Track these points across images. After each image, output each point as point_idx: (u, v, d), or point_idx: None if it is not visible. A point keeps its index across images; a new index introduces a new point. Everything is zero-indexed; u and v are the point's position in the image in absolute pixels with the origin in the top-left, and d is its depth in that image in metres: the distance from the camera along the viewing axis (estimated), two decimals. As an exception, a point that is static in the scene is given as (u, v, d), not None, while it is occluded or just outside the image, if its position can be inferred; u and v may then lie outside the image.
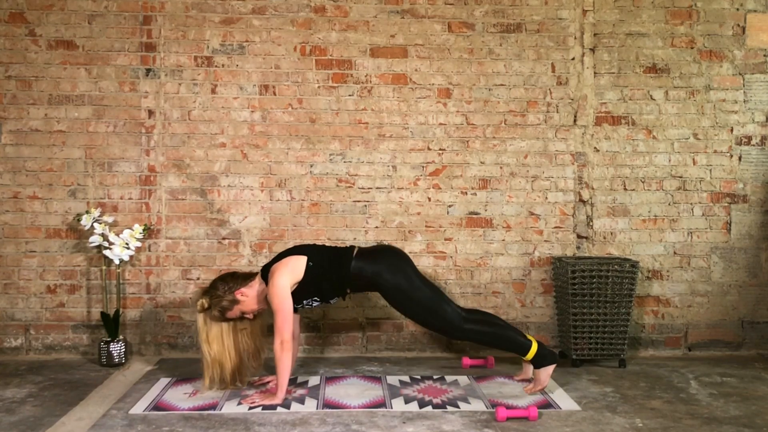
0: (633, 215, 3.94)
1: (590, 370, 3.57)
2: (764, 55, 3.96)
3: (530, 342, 3.06)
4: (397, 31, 3.90)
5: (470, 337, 3.11)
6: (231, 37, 3.86)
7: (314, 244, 3.32)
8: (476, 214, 3.92)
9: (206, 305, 3.12)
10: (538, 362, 3.06)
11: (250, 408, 2.94)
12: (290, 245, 3.77)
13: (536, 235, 3.93)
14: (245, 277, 3.21)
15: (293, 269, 3.10)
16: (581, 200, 3.94)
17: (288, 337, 3.00)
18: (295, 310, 3.15)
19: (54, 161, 3.82)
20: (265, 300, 3.20)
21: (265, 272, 3.16)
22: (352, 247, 3.23)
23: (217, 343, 3.14)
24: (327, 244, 3.39)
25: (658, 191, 3.95)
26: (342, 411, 2.92)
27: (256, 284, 3.19)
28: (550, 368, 3.08)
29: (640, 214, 3.95)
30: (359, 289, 3.23)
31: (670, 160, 3.95)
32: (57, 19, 3.81)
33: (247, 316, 3.20)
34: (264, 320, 3.33)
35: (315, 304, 3.21)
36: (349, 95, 3.89)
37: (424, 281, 3.14)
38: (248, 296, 3.15)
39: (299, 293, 3.12)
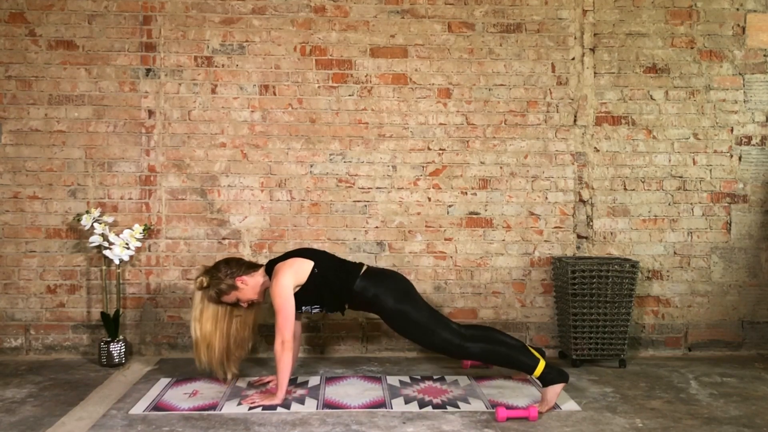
0: (633, 215, 3.94)
1: (590, 370, 3.57)
2: (764, 55, 3.96)
3: (537, 361, 2.92)
4: (397, 31, 3.90)
5: (472, 355, 3.02)
6: (231, 37, 3.86)
7: (325, 252, 3.28)
8: (476, 214, 3.92)
9: (205, 284, 3.13)
10: (547, 379, 2.91)
11: (250, 408, 2.94)
12: (290, 245, 3.79)
13: (536, 235, 3.93)
14: (249, 266, 3.21)
15: (297, 271, 3.09)
16: (581, 200, 3.94)
17: (289, 336, 3.00)
18: (295, 315, 3.14)
19: (54, 161, 3.82)
20: (263, 293, 3.21)
21: (270, 267, 3.17)
22: (361, 265, 3.21)
23: (210, 323, 3.15)
24: (338, 255, 3.36)
25: (658, 191, 3.95)
26: (342, 411, 2.92)
27: (259, 276, 3.19)
28: (558, 387, 2.91)
29: (640, 214, 3.95)
30: (358, 307, 3.21)
31: (670, 160, 3.95)
32: (57, 19, 3.81)
33: (242, 303, 3.20)
34: (259, 313, 3.34)
35: (315, 310, 3.20)
36: (349, 95, 3.89)
37: (424, 305, 3.11)
38: (248, 285, 3.15)
39: (300, 298, 3.11)
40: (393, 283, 3.14)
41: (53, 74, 3.82)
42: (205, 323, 3.15)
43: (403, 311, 3.04)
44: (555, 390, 2.91)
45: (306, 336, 3.87)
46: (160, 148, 3.85)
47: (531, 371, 2.93)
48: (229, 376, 3.26)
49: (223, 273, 3.14)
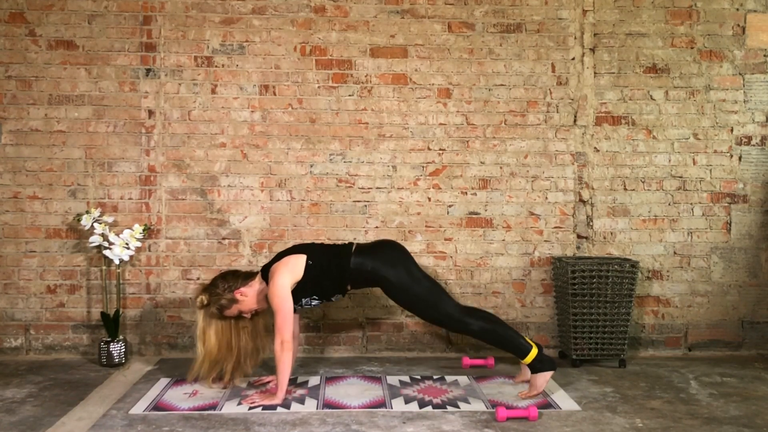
0: (633, 215, 3.94)
1: (590, 370, 3.57)
2: (764, 55, 3.96)
3: (530, 346, 3.04)
4: (397, 31, 3.90)
5: (470, 331, 3.07)
6: (231, 37, 3.86)
7: (313, 243, 3.32)
8: (476, 214, 3.92)
9: (205, 302, 3.14)
10: (536, 367, 3.03)
11: (250, 408, 2.94)
12: (290, 245, 3.78)
13: (536, 235, 3.93)
14: (246, 277, 3.22)
15: (293, 268, 3.10)
16: (581, 200, 3.94)
17: (288, 336, 3.00)
18: (294, 310, 3.14)
19: (54, 161, 3.82)
20: (264, 300, 3.20)
21: (265, 272, 3.17)
22: (350, 244, 3.23)
23: (215, 339, 3.16)
24: (326, 243, 3.39)
25: (658, 191, 3.95)
26: (342, 411, 2.92)
27: (256, 284, 3.20)
28: (548, 374, 3.04)
29: (640, 214, 3.95)
30: (360, 285, 3.23)
31: (670, 160, 3.95)
32: (57, 19, 3.81)
33: (245, 315, 3.21)
34: (266, 320, 3.34)
35: (314, 302, 3.21)
36: (349, 95, 3.89)
37: (424, 274, 3.14)
38: (247, 296, 3.16)
39: (298, 292, 3.12)
40: (389, 252, 3.17)
41: (53, 74, 3.82)
42: (209, 340, 3.15)
43: (404, 283, 3.07)
44: (545, 377, 3.03)
45: (306, 336, 3.87)
46: (160, 148, 3.85)
47: (525, 355, 3.02)
48: (230, 384, 3.25)
49: (221, 288, 3.14)
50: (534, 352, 3.01)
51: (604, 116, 3.94)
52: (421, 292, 3.07)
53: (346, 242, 3.30)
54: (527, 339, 3.08)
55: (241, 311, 3.18)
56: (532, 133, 3.93)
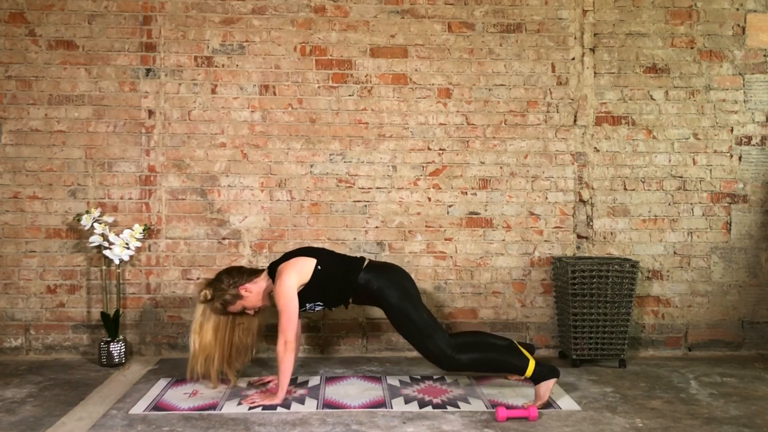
0: (633, 215, 3.94)
1: (590, 370, 3.57)
2: (764, 55, 3.96)
3: (527, 361, 2.95)
4: (397, 31, 3.90)
5: (462, 366, 3.02)
6: (231, 37, 3.86)
7: (324, 249, 3.30)
8: (476, 214, 3.92)
9: (209, 296, 3.13)
10: (538, 378, 2.95)
11: (250, 408, 2.94)
12: (290, 245, 3.79)
13: (536, 235, 3.93)
14: (251, 273, 3.22)
15: (301, 270, 3.10)
16: (581, 200, 3.94)
17: (292, 337, 3.00)
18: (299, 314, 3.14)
19: (54, 161, 3.82)
20: (268, 297, 3.21)
21: (272, 270, 3.17)
22: (362, 259, 3.22)
23: (211, 335, 3.16)
24: (337, 251, 3.38)
25: (658, 191, 3.95)
26: (342, 411, 2.92)
27: (262, 281, 3.20)
28: (550, 383, 2.95)
29: (640, 214, 3.95)
30: (362, 301, 3.23)
31: (670, 160, 3.95)
32: (57, 19, 3.81)
33: (248, 311, 3.21)
34: (263, 319, 3.34)
35: (318, 308, 3.21)
36: (349, 95, 3.89)
37: (425, 307, 3.14)
38: (252, 292, 3.16)
39: (304, 296, 3.12)
40: (397, 276, 3.16)
41: (53, 74, 3.82)
42: (205, 335, 3.15)
43: (405, 308, 3.06)
44: (547, 386, 2.94)
45: (306, 336, 3.87)
46: (160, 148, 3.85)
47: (522, 372, 2.96)
48: (230, 381, 3.25)
49: (225, 284, 3.14)
50: (532, 364, 2.94)
51: (604, 116, 3.94)
52: (418, 323, 3.04)
53: (358, 256, 3.28)
54: (522, 350, 3.00)
55: (245, 307, 3.18)
56: (532, 133, 3.93)
